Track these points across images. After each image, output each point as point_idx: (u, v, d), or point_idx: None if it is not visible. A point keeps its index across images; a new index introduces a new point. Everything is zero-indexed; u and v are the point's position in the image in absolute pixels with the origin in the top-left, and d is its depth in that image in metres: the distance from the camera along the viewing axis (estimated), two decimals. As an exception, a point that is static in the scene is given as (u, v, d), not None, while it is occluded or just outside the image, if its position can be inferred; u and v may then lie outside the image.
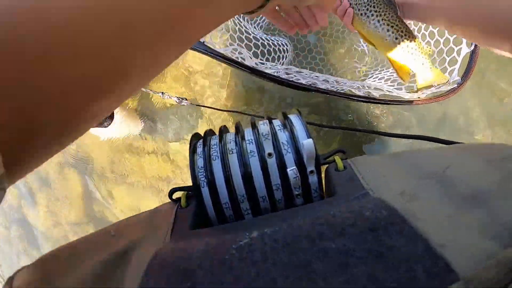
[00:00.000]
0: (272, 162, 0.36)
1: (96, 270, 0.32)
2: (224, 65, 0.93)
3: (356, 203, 0.29)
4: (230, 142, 0.38)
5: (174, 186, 0.39)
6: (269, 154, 0.36)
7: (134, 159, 1.47)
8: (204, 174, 0.36)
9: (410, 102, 0.84)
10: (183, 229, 0.34)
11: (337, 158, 0.38)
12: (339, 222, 0.27)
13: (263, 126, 0.38)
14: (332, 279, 0.23)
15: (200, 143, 0.39)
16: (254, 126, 0.39)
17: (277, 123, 0.39)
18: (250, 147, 0.37)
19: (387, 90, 0.92)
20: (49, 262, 0.35)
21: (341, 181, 0.35)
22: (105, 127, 1.41)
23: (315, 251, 0.25)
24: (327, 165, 0.39)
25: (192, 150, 0.38)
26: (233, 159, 0.36)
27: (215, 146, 0.38)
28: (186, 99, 1.02)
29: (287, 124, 0.38)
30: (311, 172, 0.35)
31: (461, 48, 0.87)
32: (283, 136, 0.37)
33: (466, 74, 0.84)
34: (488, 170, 0.32)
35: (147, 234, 0.35)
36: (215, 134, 0.42)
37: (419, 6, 0.60)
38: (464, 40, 0.85)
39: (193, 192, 0.37)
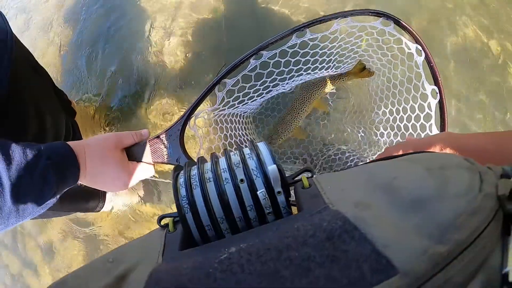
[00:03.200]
0: (244, 187, 0.40)
1: None
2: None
3: (317, 217, 0.34)
4: (207, 172, 0.42)
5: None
6: (241, 180, 0.40)
7: (138, 226, 1.44)
8: (187, 201, 0.40)
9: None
10: (173, 251, 0.38)
11: (303, 177, 0.43)
12: (302, 234, 0.31)
13: (234, 156, 0.43)
14: (297, 282, 0.27)
15: (181, 174, 0.43)
16: (227, 155, 0.43)
17: (246, 151, 0.43)
18: (225, 175, 0.41)
19: None
20: None
21: (306, 198, 0.39)
22: (97, 211, 1.37)
23: (282, 260, 0.29)
24: (296, 183, 0.43)
25: (175, 181, 0.42)
26: (211, 187, 0.40)
27: (195, 176, 0.42)
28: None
29: (254, 150, 0.43)
30: (279, 192, 0.40)
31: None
32: (252, 163, 0.41)
33: (442, 124, 0.83)
34: (427, 177, 0.35)
35: (142, 257, 0.38)
36: (194, 165, 0.46)
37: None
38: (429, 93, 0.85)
39: (178, 217, 0.40)
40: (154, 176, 0.85)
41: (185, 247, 0.39)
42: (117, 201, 1.42)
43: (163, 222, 0.43)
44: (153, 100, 1.53)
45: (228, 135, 1.09)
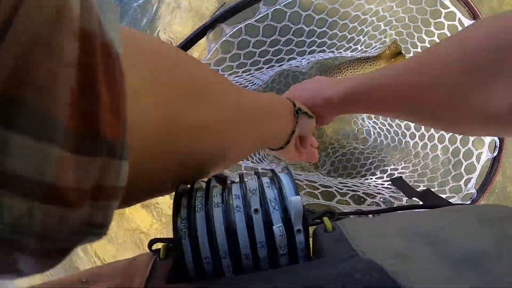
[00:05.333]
0: (258, 218, 0.33)
1: None
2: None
3: (346, 265, 0.27)
4: (216, 195, 0.36)
5: (156, 237, 0.36)
6: (256, 210, 0.33)
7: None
8: (186, 225, 0.33)
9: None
10: (159, 282, 0.31)
11: (325, 219, 0.36)
12: (328, 286, 0.24)
13: (251, 181, 0.36)
14: None
15: (185, 194, 0.37)
16: (241, 181, 0.37)
17: (265, 180, 0.37)
18: (236, 201, 0.34)
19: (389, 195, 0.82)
20: None
21: (330, 243, 0.32)
22: None
23: None
24: (315, 226, 0.37)
25: (176, 200, 0.35)
26: (218, 213, 0.33)
27: (201, 198, 0.35)
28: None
29: (275, 181, 0.36)
30: (298, 231, 0.33)
31: (481, 152, 0.72)
32: (270, 193, 0.34)
33: (483, 187, 0.68)
34: (483, 231, 0.30)
35: (120, 283, 0.31)
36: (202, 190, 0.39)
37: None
38: (487, 143, 0.72)
39: (173, 242, 0.33)
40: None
41: (175, 279, 0.32)
42: None
43: (154, 246, 0.36)
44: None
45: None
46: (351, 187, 0.84)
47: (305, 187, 0.77)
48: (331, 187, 0.79)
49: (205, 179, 0.39)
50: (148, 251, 0.36)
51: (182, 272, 0.33)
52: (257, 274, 0.31)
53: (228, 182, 0.38)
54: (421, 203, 0.58)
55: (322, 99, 0.57)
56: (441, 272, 0.26)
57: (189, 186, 0.38)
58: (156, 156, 0.26)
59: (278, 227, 0.32)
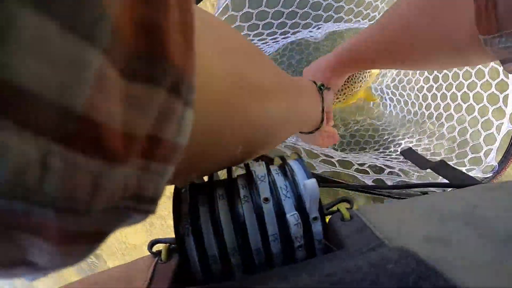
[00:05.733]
0: (268, 208, 0.29)
1: None
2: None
3: (373, 256, 0.23)
4: (220, 186, 0.32)
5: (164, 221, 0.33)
6: (265, 199, 0.29)
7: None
8: (189, 221, 0.29)
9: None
10: (162, 287, 0.27)
11: (342, 207, 0.32)
12: (357, 280, 0.20)
13: (259, 168, 0.32)
14: None
15: (186, 187, 0.33)
16: (248, 169, 0.33)
17: (274, 167, 0.33)
18: (243, 191, 0.31)
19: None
20: None
21: (349, 232, 0.29)
22: None
23: None
24: (330, 216, 0.33)
25: (176, 195, 0.32)
26: (223, 205, 0.30)
27: (203, 191, 0.32)
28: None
29: (285, 168, 0.32)
30: (315, 218, 0.29)
31: (502, 123, 0.68)
32: (281, 180, 0.31)
33: (505, 160, 0.63)
34: None
35: None
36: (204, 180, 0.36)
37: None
38: (508, 114, 0.68)
39: (175, 241, 0.30)
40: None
41: (179, 283, 0.28)
42: None
43: (155, 248, 0.32)
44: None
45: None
46: (368, 158, 0.81)
47: (320, 155, 0.74)
48: (347, 157, 0.77)
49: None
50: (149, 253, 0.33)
51: (187, 274, 0.29)
52: (272, 271, 0.27)
53: (232, 172, 0.34)
54: (447, 182, 0.55)
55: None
56: (485, 255, 0.22)
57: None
58: (221, 115, 0.21)
59: (292, 215, 0.28)
